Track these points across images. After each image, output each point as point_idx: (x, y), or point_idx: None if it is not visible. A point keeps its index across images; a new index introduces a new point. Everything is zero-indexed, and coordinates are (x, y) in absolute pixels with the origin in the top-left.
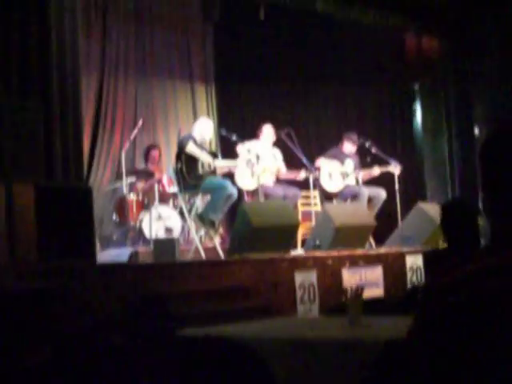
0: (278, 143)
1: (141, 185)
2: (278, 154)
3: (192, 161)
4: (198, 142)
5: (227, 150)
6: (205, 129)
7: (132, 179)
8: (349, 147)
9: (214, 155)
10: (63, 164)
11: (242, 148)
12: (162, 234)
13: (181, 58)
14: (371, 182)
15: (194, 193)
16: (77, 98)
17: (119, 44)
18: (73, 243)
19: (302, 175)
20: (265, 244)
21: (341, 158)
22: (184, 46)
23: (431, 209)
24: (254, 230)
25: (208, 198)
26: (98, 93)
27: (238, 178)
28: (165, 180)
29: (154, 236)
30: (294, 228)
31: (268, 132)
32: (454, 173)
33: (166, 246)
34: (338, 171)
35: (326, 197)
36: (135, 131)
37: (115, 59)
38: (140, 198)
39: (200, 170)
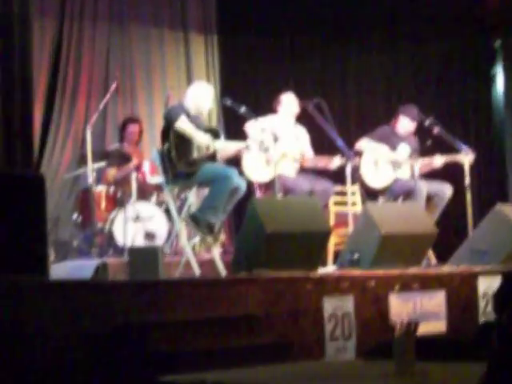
0: (304, 119)
1: (113, 172)
2: (302, 134)
3: (184, 141)
4: (193, 115)
5: (233, 127)
6: (202, 97)
7: (101, 164)
8: (405, 126)
9: (215, 134)
10: (4, 143)
11: (253, 125)
12: (140, 241)
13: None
14: (432, 174)
15: (186, 185)
16: (26, 51)
17: None
18: (16, 252)
19: (335, 163)
20: (283, 258)
21: (392, 140)
22: None
23: None
24: (269, 238)
25: (205, 192)
26: (55, 44)
27: (246, 166)
28: (146, 167)
29: (129, 243)
30: (323, 236)
31: (289, 103)
32: None
33: (145, 257)
34: (387, 159)
35: (370, 194)
36: (106, 98)
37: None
38: (111, 190)
39: (195, 154)
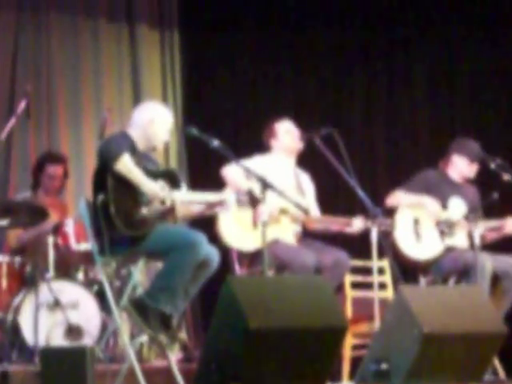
0: (308, 159)
1: (18, 234)
2: (306, 183)
3: (127, 190)
4: (142, 148)
5: (200, 169)
6: (156, 122)
7: (2, 223)
8: (461, 169)
9: (173, 180)
10: None
11: (231, 169)
12: (60, 339)
13: None
14: (501, 245)
15: (129, 255)
16: None
17: None
18: None
19: (356, 225)
20: (273, 368)
21: (443, 190)
22: None
23: None
24: (252, 337)
25: (157, 266)
26: None
27: (223, 229)
28: (70, 227)
29: (43, 342)
30: (335, 335)
31: (287, 135)
32: None
33: (67, 363)
34: (433, 218)
35: (406, 271)
36: (10, 124)
37: None
38: (16, 261)
39: (144, 210)
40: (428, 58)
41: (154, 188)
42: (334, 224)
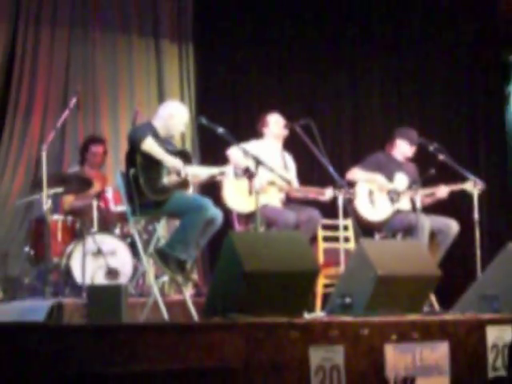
0: (290, 143)
1: (71, 199)
2: (290, 161)
3: (152, 165)
4: (163, 135)
5: (209, 150)
6: (175, 119)
7: (57, 190)
8: (403, 151)
9: (186, 157)
10: None
11: (233, 151)
12: (101, 279)
13: (141, 4)
14: (436, 208)
15: (154, 215)
16: None
17: None
18: None
19: (328, 194)
20: (264, 301)
21: (389, 168)
22: None
23: None
24: (248, 277)
25: (175, 224)
26: (6, 52)
27: (226, 195)
28: (109, 193)
29: (88, 281)
30: (310, 276)
31: (275, 124)
32: None
33: (107, 297)
34: (383, 189)
35: (364, 229)
36: (64, 115)
37: (37, 2)
38: (69, 220)
39: (165, 180)
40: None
41: (173, 162)
42: (311, 193)
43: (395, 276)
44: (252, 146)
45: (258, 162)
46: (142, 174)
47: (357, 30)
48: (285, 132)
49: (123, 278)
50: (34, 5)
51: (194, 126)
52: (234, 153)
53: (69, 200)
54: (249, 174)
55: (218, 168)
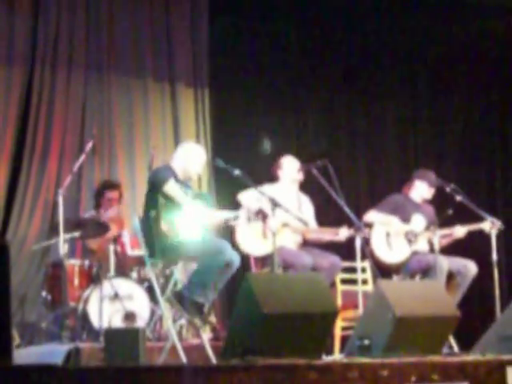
0: (307, 185)
1: (88, 244)
2: (306, 203)
3: (172, 208)
4: (181, 178)
5: (224, 193)
6: (192, 161)
7: (74, 234)
8: (421, 192)
9: (205, 200)
10: None
11: (244, 195)
12: (118, 323)
13: (157, 48)
14: (454, 248)
15: (172, 259)
16: None
17: (59, 22)
18: None
19: (342, 234)
20: (282, 343)
21: (407, 210)
22: (162, 29)
23: None
24: (266, 319)
25: (193, 267)
26: (23, 95)
27: (241, 238)
28: (126, 237)
29: (106, 325)
30: (329, 318)
31: (290, 167)
32: None
33: (124, 340)
34: (401, 231)
35: (382, 271)
36: (81, 159)
37: (52, 46)
38: (86, 264)
39: (183, 224)
40: (396, 106)
41: (192, 205)
42: (326, 234)
43: (414, 317)
44: (266, 189)
45: (274, 203)
46: (164, 215)
47: (372, 70)
48: (300, 176)
49: (140, 322)
50: (49, 48)
51: (211, 168)
52: (246, 197)
53: (86, 245)
54: (262, 215)
55: (231, 212)
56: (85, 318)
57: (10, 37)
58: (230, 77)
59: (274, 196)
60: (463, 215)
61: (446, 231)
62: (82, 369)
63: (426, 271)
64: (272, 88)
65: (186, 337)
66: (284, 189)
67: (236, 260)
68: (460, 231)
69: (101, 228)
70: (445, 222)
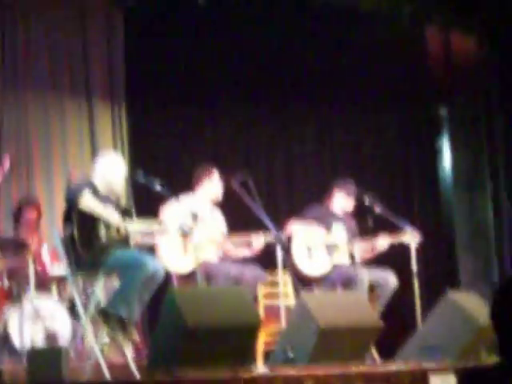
0: (226, 197)
1: (6, 263)
2: (218, 216)
3: (90, 223)
4: (104, 192)
5: (144, 207)
6: (112, 171)
7: None
8: (341, 203)
9: (127, 213)
10: None
11: (169, 209)
12: (40, 342)
13: (73, 62)
14: (374, 260)
15: (93, 274)
16: None
17: None
18: None
19: (256, 242)
20: (207, 355)
21: (326, 221)
22: (77, 42)
23: (468, 302)
24: (190, 332)
25: (116, 282)
26: None
27: (163, 255)
28: (45, 254)
29: (27, 345)
30: (253, 329)
31: (213, 186)
32: (503, 246)
33: (47, 360)
34: (321, 242)
35: (303, 283)
36: None
37: None
38: (4, 283)
39: (103, 238)
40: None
41: (112, 217)
42: (241, 246)
43: (337, 328)
44: (186, 200)
45: (195, 217)
46: (78, 233)
47: (289, 80)
48: (218, 190)
49: (63, 341)
50: None
51: (129, 182)
52: (168, 211)
53: (4, 263)
54: (183, 231)
55: (157, 223)
56: (5, 338)
57: None
58: (147, 90)
59: (194, 209)
60: (382, 225)
61: (367, 244)
62: None
63: (347, 283)
64: (189, 100)
65: (108, 355)
66: (200, 201)
67: (160, 270)
68: (382, 244)
69: (19, 246)
70: (366, 233)
